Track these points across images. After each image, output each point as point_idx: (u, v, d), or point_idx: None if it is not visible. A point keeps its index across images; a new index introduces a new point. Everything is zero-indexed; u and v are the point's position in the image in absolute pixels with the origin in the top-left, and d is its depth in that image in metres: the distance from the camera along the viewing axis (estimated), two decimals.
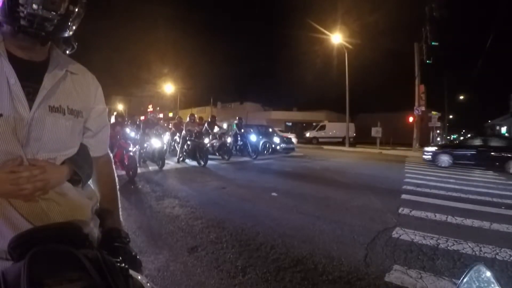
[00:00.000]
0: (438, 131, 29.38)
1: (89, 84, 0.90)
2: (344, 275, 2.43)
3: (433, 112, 20.27)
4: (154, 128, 8.52)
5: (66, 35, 0.79)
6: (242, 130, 11.79)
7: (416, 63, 18.44)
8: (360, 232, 3.47)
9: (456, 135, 53.50)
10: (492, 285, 0.57)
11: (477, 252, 2.97)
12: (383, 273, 2.48)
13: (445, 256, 2.85)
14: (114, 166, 1.04)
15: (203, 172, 7.93)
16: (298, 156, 13.89)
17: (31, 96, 0.73)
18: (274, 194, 5.38)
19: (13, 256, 0.63)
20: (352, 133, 24.16)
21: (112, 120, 8.60)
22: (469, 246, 3.09)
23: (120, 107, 41.32)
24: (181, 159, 9.54)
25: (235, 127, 12.23)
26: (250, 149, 11.42)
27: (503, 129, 29.78)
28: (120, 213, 0.99)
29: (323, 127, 26.62)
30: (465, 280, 0.60)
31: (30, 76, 0.75)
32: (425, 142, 19.40)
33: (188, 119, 10.10)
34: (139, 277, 0.74)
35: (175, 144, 11.66)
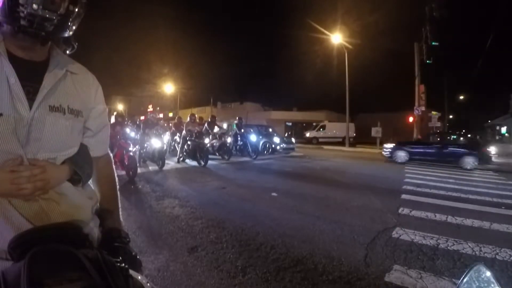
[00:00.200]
0: (438, 131, 29.36)
1: (89, 84, 0.90)
2: (344, 275, 2.43)
3: (433, 112, 20.27)
4: (154, 128, 8.53)
5: (66, 35, 0.79)
6: (242, 130, 11.78)
7: (416, 63, 18.41)
8: (360, 232, 3.47)
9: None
10: (492, 285, 0.57)
11: (477, 252, 2.97)
12: (383, 273, 2.48)
13: (445, 256, 2.85)
14: (114, 166, 1.04)
15: (203, 172, 7.93)
16: (298, 156, 13.89)
17: (31, 95, 0.73)
18: (274, 194, 5.38)
19: (13, 256, 0.63)
20: (352, 133, 24.18)
21: (112, 120, 8.60)
22: (469, 246, 3.09)
23: (120, 107, 41.31)
24: (181, 159, 9.54)
25: (235, 127, 12.23)
26: (250, 149, 11.42)
27: (503, 129, 29.78)
28: (120, 213, 0.99)
29: (323, 127, 26.64)
30: (465, 280, 0.60)
31: (30, 76, 0.75)
32: None
33: (188, 119, 10.10)
34: (139, 277, 0.74)
35: (175, 144, 11.66)
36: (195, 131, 9.39)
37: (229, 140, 11.39)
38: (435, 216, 4.20)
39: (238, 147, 11.90)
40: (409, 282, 2.34)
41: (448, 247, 3.06)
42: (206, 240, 3.10)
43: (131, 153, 6.65)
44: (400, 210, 4.46)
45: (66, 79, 0.83)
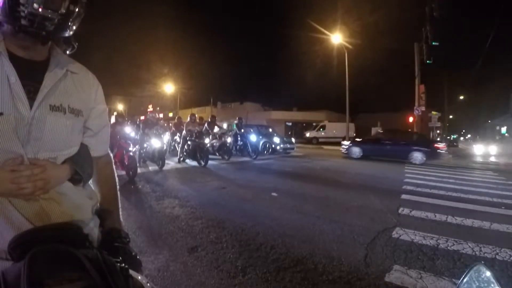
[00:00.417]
0: (438, 131, 29.40)
1: (90, 84, 0.90)
2: (344, 275, 2.43)
3: (433, 112, 20.27)
4: (154, 128, 8.53)
5: (66, 34, 0.79)
6: (242, 130, 11.78)
7: (416, 63, 18.40)
8: (360, 232, 3.47)
9: (456, 135, 53.53)
10: (492, 285, 0.57)
11: (477, 252, 2.97)
12: (383, 273, 2.48)
13: (445, 256, 2.85)
14: (114, 166, 1.04)
15: (203, 172, 7.93)
16: (298, 156, 13.90)
17: (31, 95, 0.73)
18: (274, 194, 5.38)
19: (13, 256, 0.63)
20: (352, 133, 24.17)
21: (112, 120, 8.60)
22: (469, 246, 3.09)
23: (120, 107, 41.30)
24: (181, 159, 9.54)
25: (235, 127, 12.23)
26: (250, 149, 11.42)
27: (503, 129, 29.81)
28: (120, 213, 0.99)
29: (323, 127, 26.65)
30: (465, 280, 0.60)
31: (31, 75, 0.75)
32: None
33: (188, 119, 10.09)
34: (139, 277, 0.74)
35: (175, 144, 11.65)
36: (195, 131, 9.38)
37: (229, 140, 11.38)
38: (435, 216, 4.20)
39: (238, 147, 11.89)
40: (409, 282, 2.34)
41: (448, 247, 3.06)
42: (206, 240, 3.10)
43: (131, 153, 6.64)
44: (400, 210, 4.46)
45: (67, 78, 0.83)
